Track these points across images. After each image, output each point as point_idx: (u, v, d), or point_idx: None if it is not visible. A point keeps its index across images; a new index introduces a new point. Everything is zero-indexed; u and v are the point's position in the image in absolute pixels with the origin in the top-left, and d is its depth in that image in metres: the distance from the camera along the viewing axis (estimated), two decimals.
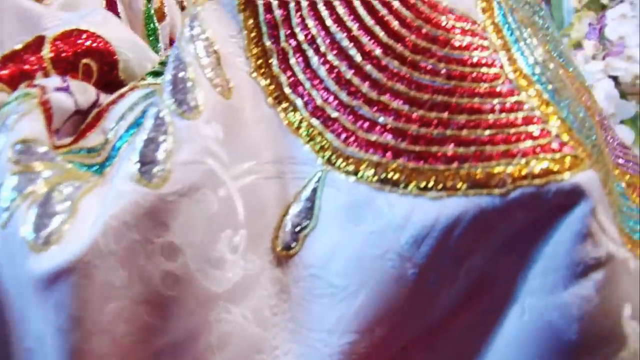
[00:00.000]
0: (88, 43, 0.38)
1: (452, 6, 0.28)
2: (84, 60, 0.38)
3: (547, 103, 0.26)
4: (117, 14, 0.49)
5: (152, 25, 0.53)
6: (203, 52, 0.29)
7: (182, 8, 0.71)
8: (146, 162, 0.26)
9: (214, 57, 0.29)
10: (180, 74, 0.28)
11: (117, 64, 0.39)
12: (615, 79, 1.70)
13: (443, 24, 0.28)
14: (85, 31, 0.38)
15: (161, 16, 0.56)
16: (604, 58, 1.71)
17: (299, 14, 0.29)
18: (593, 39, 1.74)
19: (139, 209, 0.25)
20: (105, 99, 0.36)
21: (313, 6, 0.29)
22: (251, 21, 0.30)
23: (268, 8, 0.30)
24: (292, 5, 0.30)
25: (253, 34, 0.30)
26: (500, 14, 0.29)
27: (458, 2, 0.29)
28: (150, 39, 0.53)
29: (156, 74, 0.40)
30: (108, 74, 0.39)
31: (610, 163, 0.32)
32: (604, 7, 1.76)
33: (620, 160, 0.35)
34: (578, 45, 1.78)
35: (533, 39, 0.30)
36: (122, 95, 0.34)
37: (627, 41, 1.68)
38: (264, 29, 0.30)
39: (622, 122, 1.71)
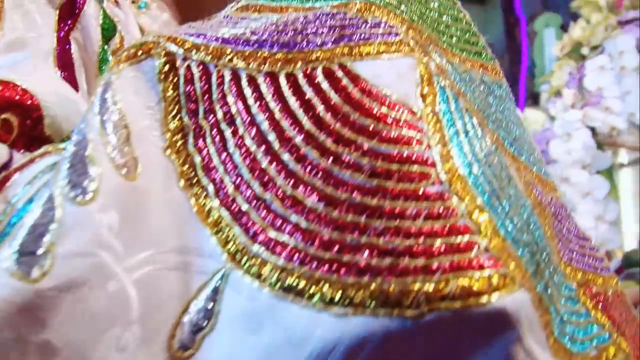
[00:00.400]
0: (9, 95, 0.35)
1: (388, 90, 0.26)
2: (3, 115, 0.35)
3: (481, 209, 0.24)
4: (69, 55, 0.46)
5: (105, 67, 0.50)
6: (110, 128, 0.26)
7: None
8: (26, 252, 0.23)
9: (124, 132, 0.26)
10: (81, 152, 0.25)
11: (43, 120, 0.36)
12: (592, 129, 1.71)
13: (374, 111, 0.25)
14: (8, 82, 0.36)
15: None
16: (582, 108, 1.72)
17: (220, 87, 0.27)
18: (573, 88, 1.75)
19: (10, 306, 0.22)
20: (21, 159, 0.33)
21: (236, 80, 0.27)
22: (171, 92, 0.27)
23: (190, 79, 0.27)
24: (214, 77, 0.27)
25: (171, 107, 0.27)
26: (442, 101, 0.27)
27: (396, 84, 0.26)
28: None
29: None
30: (32, 130, 0.36)
31: (560, 262, 0.30)
32: (584, 57, 1.78)
33: (575, 255, 0.33)
34: (558, 93, 1.79)
35: (479, 129, 0.28)
36: (32, 161, 0.31)
37: (605, 92, 1.69)
38: (184, 102, 0.27)
39: (598, 172, 1.72)
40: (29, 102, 0.36)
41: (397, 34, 0.28)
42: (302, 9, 0.31)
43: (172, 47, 0.28)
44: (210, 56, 0.28)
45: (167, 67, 0.28)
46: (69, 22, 0.47)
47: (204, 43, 0.28)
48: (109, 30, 0.50)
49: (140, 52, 0.28)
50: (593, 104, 1.68)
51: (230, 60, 0.27)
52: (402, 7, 0.31)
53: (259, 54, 0.27)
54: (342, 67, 0.26)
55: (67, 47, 0.46)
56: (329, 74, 0.26)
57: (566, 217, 0.34)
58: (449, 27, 0.33)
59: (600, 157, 1.68)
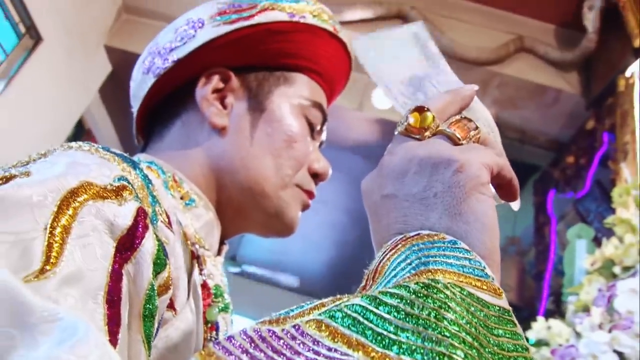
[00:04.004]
0: None
1: None
2: None
3: None
4: (119, 290, 0.44)
5: (149, 306, 0.48)
6: None
7: (191, 253, 0.67)
8: None
9: None
10: None
11: None
12: (620, 354, 1.63)
13: None
14: None
15: (165, 289, 0.52)
16: (610, 330, 1.66)
17: None
18: (601, 307, 1.70)
19: None
20: None
21: None
22: None
23: None
24: None
25: None
26: None
27: None
28: (145, 321, 0.48)
29: None
30: None
31: None
32: (615, 276, 1.75)
33: None
34: (585, 308, 1.74)
35: None
36: None
37: (635, 317, 1.64)
38: None
39: None
40: None
41: None
42: (377, 356, 0.29)
43: None
44: None
45: None
46: (125, 255, 0.46)
47: None
48: (160, 265, 0.50)
49: None
50: (623, 328, 1.62)
51: None
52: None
53: None
54: None
55: (119, 281, 0.44)
56: None
57: None
58: None
59: None
